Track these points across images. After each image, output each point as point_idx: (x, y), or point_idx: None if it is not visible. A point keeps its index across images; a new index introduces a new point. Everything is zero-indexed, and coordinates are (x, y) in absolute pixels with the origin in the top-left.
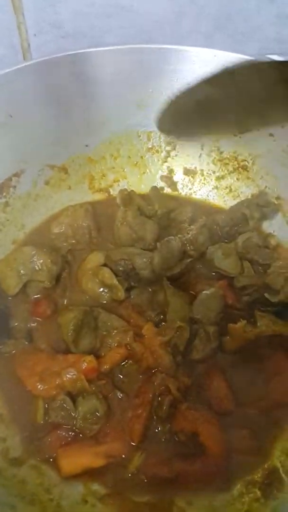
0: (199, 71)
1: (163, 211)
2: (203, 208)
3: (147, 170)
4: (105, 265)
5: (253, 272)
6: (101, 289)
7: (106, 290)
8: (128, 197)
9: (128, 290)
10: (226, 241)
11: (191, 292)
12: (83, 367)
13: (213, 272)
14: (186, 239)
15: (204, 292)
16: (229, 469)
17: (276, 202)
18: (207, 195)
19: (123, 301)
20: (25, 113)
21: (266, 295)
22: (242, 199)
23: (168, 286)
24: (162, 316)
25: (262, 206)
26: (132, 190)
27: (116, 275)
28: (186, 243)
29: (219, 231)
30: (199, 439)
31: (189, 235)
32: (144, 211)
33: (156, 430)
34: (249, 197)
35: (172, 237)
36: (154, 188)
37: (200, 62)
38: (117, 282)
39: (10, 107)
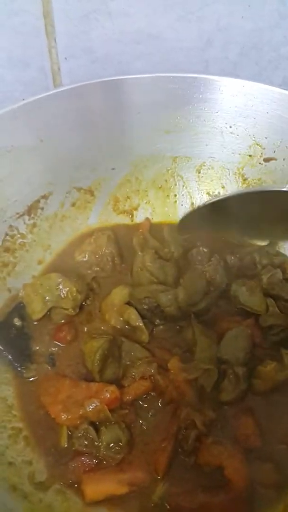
0: (227, 100)
1: (179, 253)
2: (217, 244)
3: (171, 194)
4: (129, 302)
5: (278, 310)
6: (126, 327)
7: (129, 328)
8: (144, 241)
9: (153, 327)
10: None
11: (217, 329)
12: (106, 398)
13: (238, 309)
14: (206, 279)
15: (231, 331)
16: (252, 502)
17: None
18: None
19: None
20: (55, 138)
21: None
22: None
23: (196, 324)
24: (187, 353)
25: (271, 254)
26: (148, 234)
27: (141, 315)
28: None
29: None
30: (224, 472)
31: (207, 276)
32: (161, 254)
33: (181, 461)
34: None
35: (196, 272)
36: (169, 229)
37: (229, 92)
38: (142, 325)
39: (41, 131)
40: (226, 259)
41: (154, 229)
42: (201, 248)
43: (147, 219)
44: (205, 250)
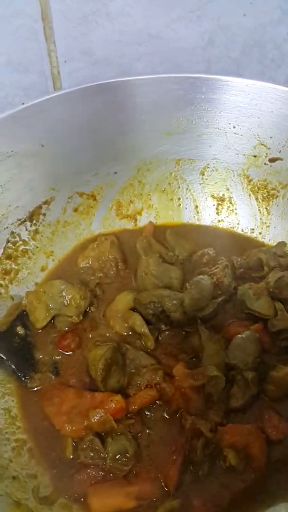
0: (230, 100)
1: (184, 256)
2: (223, 246)
3: (175, 197)
4: (134, 308)
5: (286, 314)
6: (130, 333)
7: (134, 335)
8: (148, 245)
9: (159, 333)
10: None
11: (225, 335)
12: (111, 408)
13: (245, 314)
14: (213, 283)
15: (239, 335)
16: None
17: None
18: (237, 223)
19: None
20: (57, 142)
21: None
22: (270, 228)
23: (203, 330)
24: (194, 359)
25: (279, 256)
26: (151, 238)
27: (147, 320)
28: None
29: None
30: (250, 451)
31: (214, 279)
32: (165, 258)
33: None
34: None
35: (202, 276)
36: (171, 232)
37: (231, 92)
38: (148, 331)
39: (42, 136)
40: (232, 260)
41: (158, 233)
42: (206, 250)
43: (150, 223)
44: (210, 252)
